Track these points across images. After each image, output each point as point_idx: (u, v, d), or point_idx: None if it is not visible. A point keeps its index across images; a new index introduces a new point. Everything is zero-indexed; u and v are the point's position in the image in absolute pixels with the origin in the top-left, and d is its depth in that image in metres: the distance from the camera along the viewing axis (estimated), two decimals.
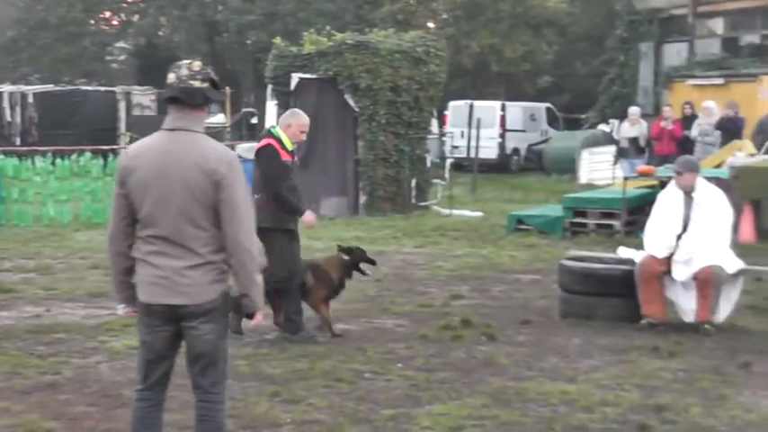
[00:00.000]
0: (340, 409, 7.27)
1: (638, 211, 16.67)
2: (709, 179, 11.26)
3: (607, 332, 9.74)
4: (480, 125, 27.23)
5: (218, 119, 31.66)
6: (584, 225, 16.89)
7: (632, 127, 22.65)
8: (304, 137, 9.68)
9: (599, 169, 26.12)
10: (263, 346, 9.24)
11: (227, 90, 29.47)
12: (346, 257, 9.85)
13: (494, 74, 39.43)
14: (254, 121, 34.44)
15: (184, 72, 5.24)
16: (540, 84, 42.96)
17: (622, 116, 26.43)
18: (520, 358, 8.84)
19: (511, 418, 7.09)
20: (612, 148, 24.87)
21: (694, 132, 21.31)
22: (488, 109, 32.92)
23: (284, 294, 9.48)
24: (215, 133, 28.43)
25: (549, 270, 13.03)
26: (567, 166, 27.86)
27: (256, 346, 9.21)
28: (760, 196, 16.07)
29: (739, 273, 10.05)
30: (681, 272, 9.88)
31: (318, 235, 17.06)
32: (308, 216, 9.55)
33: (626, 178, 17.87)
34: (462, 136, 30.25)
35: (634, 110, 23.47)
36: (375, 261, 10.13)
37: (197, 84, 5.21)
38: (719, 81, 27.74)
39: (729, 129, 20.72)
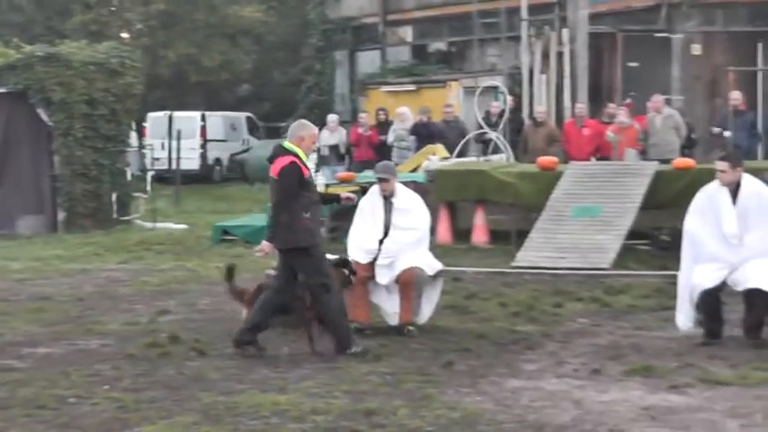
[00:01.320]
0: None
1: (341, 216, 16.94)
2: (407, 183, 11.60)
3: (317, 339, 9.81)
4: (181, 136, 26.95)
5: None
6: None
7: (332, 134, 23.01)
8: (315, 147, 9.25)
9: None
10: None
11: None
12: (345, 271, 9.77)
13: (192, 84, 39.14)
14: None
15: None
16: (240, 93, 42.98)
17: (321, 124, 26.79)
18: (230, 372, 8.77)
19: None
20: (313, 156, 25.15)
21: (390, 138, 21.90)
22: (188, 119, 32.67)
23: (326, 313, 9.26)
24: None
25: (256, 280, 13.00)
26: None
27: None
28: (454, 198, 16.71)
29: (439, 274, 10.40)
30: (384, 275, 10.12)
31: (15, 255, 16.39)
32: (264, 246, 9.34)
33: (327, 185, 18.14)
34: (163, 147, 29.85)
35: (332, 117, 23.86)
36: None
37: None
38: (411, 87, 28.65)
39: (423, 134, 21.44)
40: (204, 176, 32.46)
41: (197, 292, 12.96)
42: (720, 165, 9.54)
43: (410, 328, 10.01)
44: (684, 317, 9.55)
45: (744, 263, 9.25)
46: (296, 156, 9.27)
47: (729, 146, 18.60)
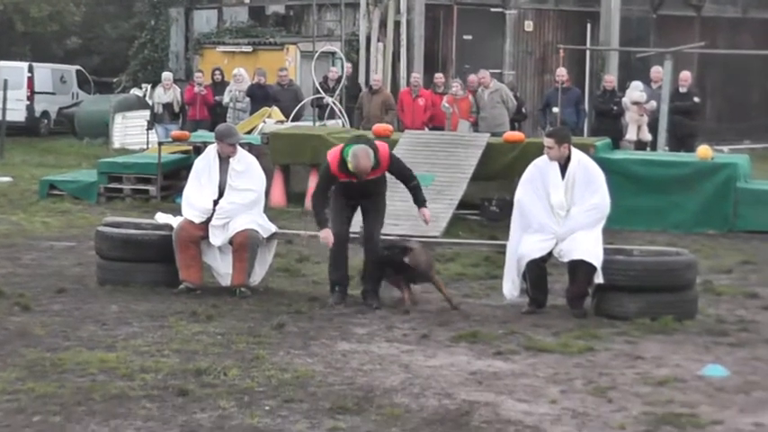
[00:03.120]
0: None
1: (173, 175, 16.80)
2: (242, 145, 11.52)
3: (146, 298, 9.72)
4: (6, 86, 26.03)
5: None
6: (120, 190, 16.75)
7: (166, 92, 22.66)
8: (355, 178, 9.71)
9: (132, 134, 25.93)
10: None
11: None
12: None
13: (19, 34, 37.88)
14: None
15: None
16: (69, 45, 41.82)
17: (155, 81, 26.36)
18: (56, 328, 8.61)
19: (47, 390, 6.88)
20: (146, 113, 24.76)
21: (226, 98, 21.74)
22: (15, 70, 31.54)
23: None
24: None
25: (85, 236, 12.81)
26: (100, 131, 27.39)
27: None
28: (289, 161, 16.70)
29: (273, 236, 10.40)
30: (217, 236, 10.06)
31: None
32: (323, 233, 9.81)
33: (160, 143, 17.91)
34: None
35: (167, 75, 23.50)
36: None
37: None
38: (248, 49, 28.46)
39: (259, 96, 21.35)
40: (30, 129, 31.48)
41: (21, 246, 12.63)
42: (547, 141, 9.80)
43: (242, 289, 9.99)
44: (511, 285, 9.78)
45: (569, 234, 9.53)
46: (343, 159, 9.72)
47: (557, 121, 19.14)
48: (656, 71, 19.41)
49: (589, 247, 9.44)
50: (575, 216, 9.57)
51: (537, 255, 9.56)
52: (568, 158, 9.65)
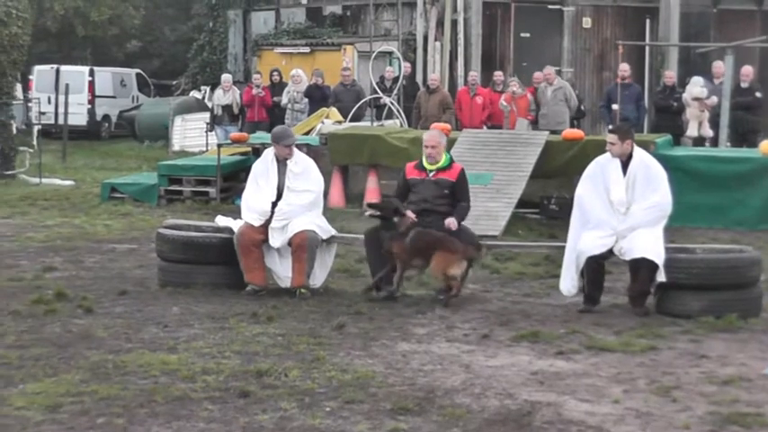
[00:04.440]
0: None
1: (232, 177, 16.89)
2: (300, 146, 11.56)
3: (207, 300, 9.76)
4: (68, 91, 26.36)
5: None
6: (180, 192, 16.84)
7: (225, 94, 22.77)
8: (429, 151, 10.21)
9: (192, 136, 26.11)
10: None
11: None
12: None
13: (79, 38, 38.32)
14: None
15: None
16: (129, 49, 42.25)
17: (214, 83, 26.52)
18: (118, 330, 8.67)
19: (111, 393, 6.93)
20: (206, 115, 24.92)
21: (284, 100, 21.79)
22: (76, 74, 31.95)
23: None
24: None
25: (146, 239, 12.91)
26: (160, 133, 27.62)
27: None
28: (347, 162, 16.71)
29: (332, 239, 10.40)
30: (276, 239, 10.08)
31: None
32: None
33: (220, 145, 18.00)
34: (49, 102, 29.21)
35: (226, 77, 23.59)
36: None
37: None
38: (306, 50, 28.53)
39: (317, 96, 21.39)
40: (92, 133, 31.84)
41: (84, 248, 12.74)
42: (610, 137, 9.78)
43: (302, 290, 9.99)
44: (569, 282, 9.70)
45: (629, 232, 9.44)
46: (419, 158, 10.55)
47: (616, 119, 18.95)
48: (717, 66, 19.13)
49: (650, 244, 9.34)
50: (635, 213, 9.48)
51: (596, 251, 9.48)
52: (630, 156, 9.58)
